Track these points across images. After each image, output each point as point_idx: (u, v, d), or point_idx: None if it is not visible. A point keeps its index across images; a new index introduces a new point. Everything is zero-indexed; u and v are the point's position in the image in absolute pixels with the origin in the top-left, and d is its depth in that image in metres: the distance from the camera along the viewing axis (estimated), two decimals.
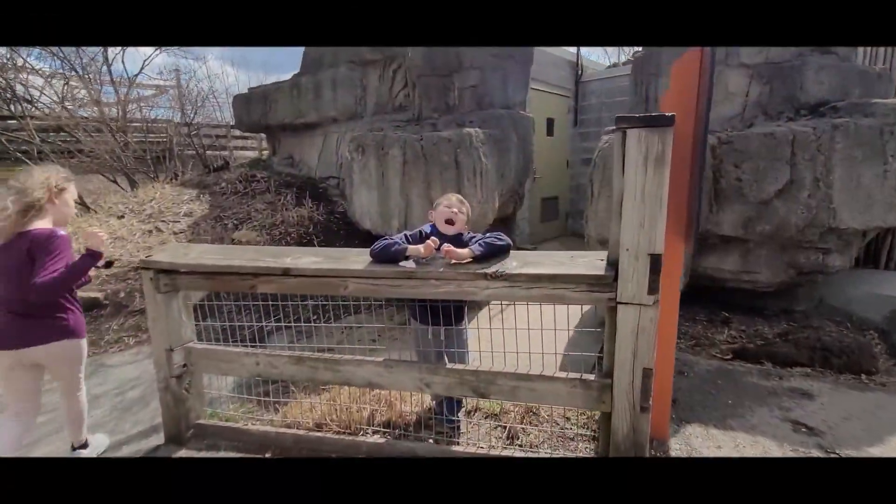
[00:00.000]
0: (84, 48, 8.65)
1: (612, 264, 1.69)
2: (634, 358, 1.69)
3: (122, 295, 4.28)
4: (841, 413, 2.31)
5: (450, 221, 2.01)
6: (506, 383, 1.87)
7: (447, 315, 2.12)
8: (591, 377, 1.79)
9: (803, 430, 2.19)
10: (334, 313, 3.91)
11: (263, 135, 9.07)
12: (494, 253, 1.83)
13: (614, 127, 1.59)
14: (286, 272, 1.96)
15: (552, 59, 6.39)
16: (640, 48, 4.96)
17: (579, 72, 6.81)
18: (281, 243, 5.01)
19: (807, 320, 3.55)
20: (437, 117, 5.07)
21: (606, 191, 3.40)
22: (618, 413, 1.75)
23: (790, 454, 2.01)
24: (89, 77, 8.99)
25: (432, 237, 1.87)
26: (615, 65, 7.39)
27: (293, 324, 2.88)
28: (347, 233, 5.33)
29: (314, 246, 4.96)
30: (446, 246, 1.77)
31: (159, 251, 2.18)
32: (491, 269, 1.75)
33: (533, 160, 5.50)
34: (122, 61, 9.06)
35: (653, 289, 1.61)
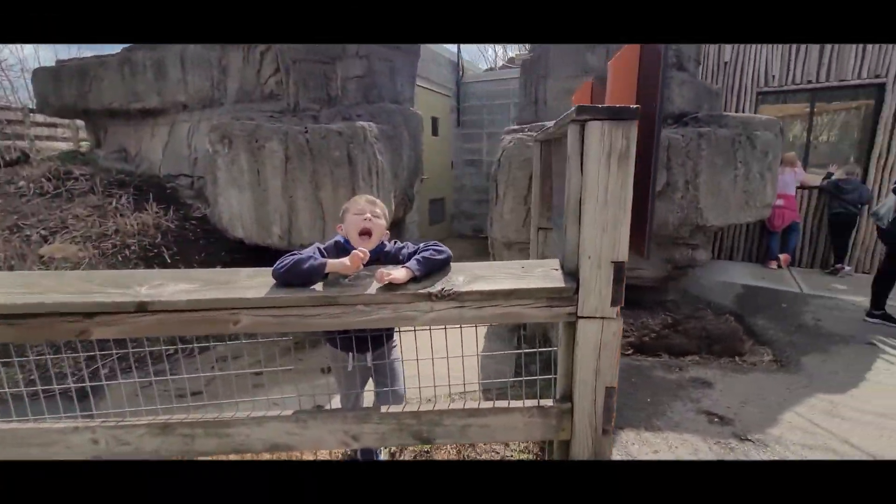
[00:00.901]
0: None
1: (571, 274, 1.51)
2: (597, 377, 1.53)
3: None
4: (738, 398, 2.52)
5: (366, 232, 1.63)
6: (454, 423, 1.57)
7: (375, 335, 1.75)
8: (549, 403, 1.59)
9: (716, 420, 2.31)
10: (200, 342, 3.17)
11: (81, 122, 7.30)
12: (435, 269, 1.52)
13: (574, 118, 1.40)
14: (142, 307, 1.38)
15: (434, 55, 6.27)
16: (528, 50, 5.08)
17: (460, 72, 6.82)
18: (117, 260, 3.96)
19: (679, 310, 3.94)
20: (317, 109, 4.54)
21: (512, 192, 3.33)
22: (578, 440, 1.59)
23: (715, 447, 2.08)
24: None
25: (360, 248, 1.48)
26: (492, 68, 7.59)
27: (141, 378, 2.17)
28: (210, 242, 4.46)
29: (166, 261, 4.03)
30: (380, 271, 1.41)
31: None
32: (436, 288, 1.43)
33: (422, 160, 5.29)
34: None
35: (616, 300, 1.47)
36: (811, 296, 4.50)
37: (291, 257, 1.42)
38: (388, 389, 1.77)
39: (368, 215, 1.63)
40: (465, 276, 1.50)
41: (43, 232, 4.17)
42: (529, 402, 1.60)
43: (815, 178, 5.58)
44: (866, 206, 5.16)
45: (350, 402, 1.83)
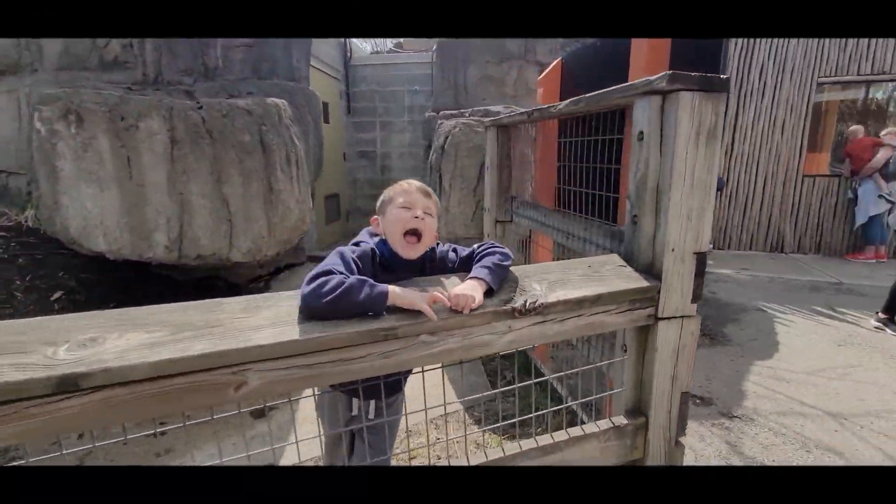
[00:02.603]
0: None
1: (647, 271, 1.35)
2: (673, 383, 1.40)
3: None
4: (701, 375, 2.70)
5: (414, 234, 1.21)
6: (529, 466, 1.29)
7: (395, 375, 1.36)
8: (624, 421, 1.41)
9: (698, 401, 2.42)
10: None
11: None
12: (505, 277, 1.22)
13: (657, 87, 1.22)
14: (68, 384, 0.81)
15: None
16: None
17: (348, 53, 6.29)
18: None
19: None
20: (191, 83, 3.69)
21: (459, 183, 3.08)
22: (652, 458, 1.44)
23: (714, 429, 2.16)
24: None
25: (438, 290, 1.07)
26: (378, 52, 7.20)
27: None
28: (36, 261, 3.29)
29: None
30: (457, 295, 1.05)
31: None
32: (519, 302, 1.13)
33: (323, 150, 4.71)
34: None
35: (697, 295, 1.35)
36: None
37: (335, 280, 0.97)
38: (385, 458, 1.37)
39: (420, 212, 1.19)
40: (541, 283, 1.22)
41: None
42: (603, 423, 1.40)
43: None
44: (721, 192, 6.17)
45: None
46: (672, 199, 1.27)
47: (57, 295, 3.12)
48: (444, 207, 3.19)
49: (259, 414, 2.44)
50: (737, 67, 5.90)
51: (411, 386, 1.37)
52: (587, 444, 1.37)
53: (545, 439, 1.33)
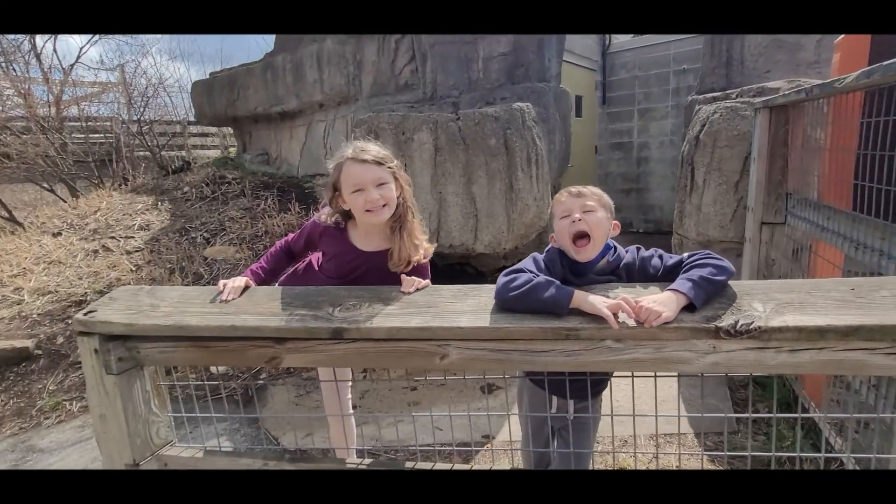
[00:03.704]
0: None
1: None
2: None
3: (59, 341, 3.40)
4: None
5: (582, 236, 1.24)
6: None
7: (598, 378, 1.39)
8: None
9: None
10: None
11: (229, 129, 8.15)
12: (715, 294, 1.11)
13: None
14: (338, 334, 1.19)
15: None
16: None
17: (606, 41, 6.17)
18: None
19: None
20: (457, 95, 4.33)
21: (716, 177, 2.73)
22: None
23: None
24: (12, 67, 7.89)
25: (621, 298, 1.08)
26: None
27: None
28: None
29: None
30: (641, 306, 1.03)
31: (107, 303, 1.38)
32: (727, 321, 1.02)
33: (570, 145, 4.83)
34: (54, 49, 8.08)
35: None
36: None
37: (524, 277, 1.12)
38: (587, 451, 1.39)
39: (577, 214, 1.23)
40: (766, 303, 1.07)
41: (205, 234, 4.60)
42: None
43: None
44: None
45: (543, 465, 1.51)
46: None
47: None
48: (694, 205, 2.87)
49: (487, 390, 2.79)
50: None
51: (636, 396, 1.39)
52: None
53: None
